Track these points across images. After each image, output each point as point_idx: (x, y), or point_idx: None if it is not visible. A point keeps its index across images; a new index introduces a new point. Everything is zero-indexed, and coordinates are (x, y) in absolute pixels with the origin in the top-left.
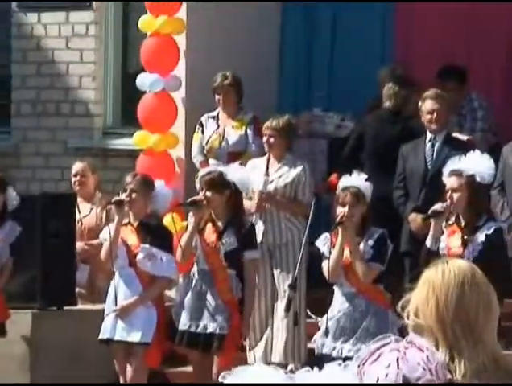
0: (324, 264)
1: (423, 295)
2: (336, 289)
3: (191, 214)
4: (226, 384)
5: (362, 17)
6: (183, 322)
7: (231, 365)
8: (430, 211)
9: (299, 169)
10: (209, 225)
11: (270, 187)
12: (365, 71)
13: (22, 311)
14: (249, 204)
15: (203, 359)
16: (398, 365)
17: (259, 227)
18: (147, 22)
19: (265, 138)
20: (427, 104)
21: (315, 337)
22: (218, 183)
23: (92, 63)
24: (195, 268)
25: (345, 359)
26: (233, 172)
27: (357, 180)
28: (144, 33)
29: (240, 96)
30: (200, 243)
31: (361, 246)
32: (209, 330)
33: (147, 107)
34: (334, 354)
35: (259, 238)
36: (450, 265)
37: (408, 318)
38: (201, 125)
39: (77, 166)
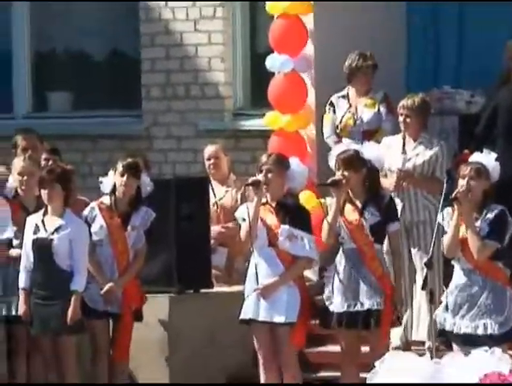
0: (444, 239)
1: None
2: (455, 264)
3: (328, 198)
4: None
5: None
6: (338, 305)
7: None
8: None
9: (436, 147)
10: (348, 205)
11: (409, 165)
12: (493, 46)
13: (160, 295)
14: (386, 183)
15: (354, 339)
16: None
17: (397, 205)
18: (274, 5)
19: (401, 118)
20: None
21: (437, 312)
22: (355, 162)
23: (221, 45)
24: (340, 250)
25: (464, 335)
26: (368, 149)
27: (485, 158)
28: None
29: (374, 75)
30: (343, 223)
31: (478, 222)
32: (366, 307)
33: (278, 88)
34: (455, 330)
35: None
36: None
37: None
38: (332, 104)
39: (210, 149)
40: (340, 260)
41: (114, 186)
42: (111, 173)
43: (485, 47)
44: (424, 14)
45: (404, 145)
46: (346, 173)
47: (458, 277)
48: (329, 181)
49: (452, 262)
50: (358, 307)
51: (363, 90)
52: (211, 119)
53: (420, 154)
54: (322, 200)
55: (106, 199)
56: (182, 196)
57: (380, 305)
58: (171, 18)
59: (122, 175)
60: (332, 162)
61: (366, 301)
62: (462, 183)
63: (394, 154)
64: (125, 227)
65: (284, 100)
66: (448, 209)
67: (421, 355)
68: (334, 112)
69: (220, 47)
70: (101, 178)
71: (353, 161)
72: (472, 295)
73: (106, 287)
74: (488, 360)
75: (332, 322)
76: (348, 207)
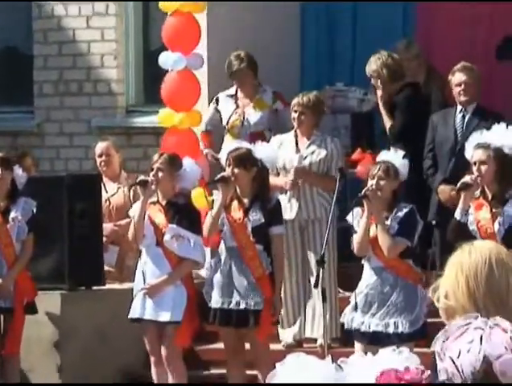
0: (354, 238)
1: (453, 277)
2: (364, 263)
3: (215, 191)
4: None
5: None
6: (215, 300)
7: (267, 340)
8: (460, 184)
9: (331, 145)
10: (235, 202)
11: (305, 163)
12: (387, 44)
13: (51, 292)
14: (280, 181)
15: (235, 336)
16: (481, 342)
17: (292, 204)
18: (167, 4)
19: (295, 115)
20: (455, 77)
21: (345, 311)
22: (246, 160)
23: (114, 42)
24: (222, 246)
25: (373, 333)
26: (261, 149)
27: (393, 156)
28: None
29: (256, 74)
30: (227, 220)
31: (388, 221)
32: (242, 306)
33: (170, 85)
34: (363, 328)
35: (293, 214)
36: (476, 246)
37: (439, 302)
38: (217, 101)
39: (101, 146)
40: (221, 256)
41: None
42: None
43: (378, 45)
44: (318, 12)
45: (297, 142)
46: (236, 170)
47: (368, 276)
48: (217, 177)
49: (363, 261)
50: (233, 305)
51: (247, 91)
52: (103, 116)
53: (315, 152)
54: (210, 198)
55: None
56: (74, 193)
57: (259, 305)
58: (64, 15)
59: None
60: (223, 159)
61: (243, 301)
62: (372, 182)
63: (286, 152)
64: (6, 221)
65: (177, 97)
66: (358, 209)
67: (313, 352)
68: (217, 109)
69: (113, 44)
70: None
71: (243, 159)
72: (383, 293)
73: None
74: (395, 359)
75: (209, 317)
76: (235, 205)
